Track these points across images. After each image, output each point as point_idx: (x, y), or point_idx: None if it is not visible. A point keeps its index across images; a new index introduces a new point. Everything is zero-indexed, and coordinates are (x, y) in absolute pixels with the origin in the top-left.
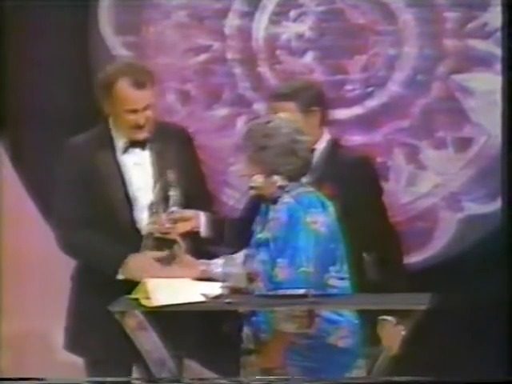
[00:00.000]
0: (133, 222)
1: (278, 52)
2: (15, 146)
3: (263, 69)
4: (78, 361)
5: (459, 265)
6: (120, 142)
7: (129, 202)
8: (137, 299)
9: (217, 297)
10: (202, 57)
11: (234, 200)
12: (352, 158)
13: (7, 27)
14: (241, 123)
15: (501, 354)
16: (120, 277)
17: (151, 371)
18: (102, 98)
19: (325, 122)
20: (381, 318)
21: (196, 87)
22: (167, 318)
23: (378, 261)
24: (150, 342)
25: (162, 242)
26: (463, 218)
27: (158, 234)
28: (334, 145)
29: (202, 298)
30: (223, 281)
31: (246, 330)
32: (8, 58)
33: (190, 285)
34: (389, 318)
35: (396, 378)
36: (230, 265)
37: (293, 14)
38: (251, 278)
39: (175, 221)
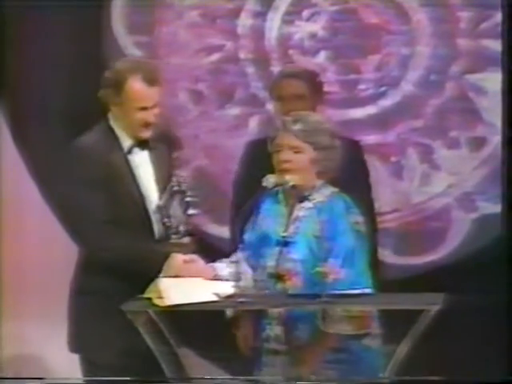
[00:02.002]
0: (150, 222)
1: (290, 52)
2: (26, 141)
3: (276, 68)
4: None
5: (473, 264)
6: (125, 142)
7: (143, 201)
8: (149, 299)
9: (229, 296)
10: (215, 56)
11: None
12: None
13: (22, 26)
14: (253, 123)
15: None
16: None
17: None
18: (110, 95)
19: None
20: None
21: (208, 87)
22: (179, 317)
23: None
24: (162, 341)
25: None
26: (477, 218)
27: (174, 239)
28: None
29: (215, 298)
30: (234, 280)
31: (276, 330)
32: (21, 54)
33: (202, 284)
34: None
35: (410, 378)
36: (237, 265)
37: (306, 13)
38: (282, 277)
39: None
